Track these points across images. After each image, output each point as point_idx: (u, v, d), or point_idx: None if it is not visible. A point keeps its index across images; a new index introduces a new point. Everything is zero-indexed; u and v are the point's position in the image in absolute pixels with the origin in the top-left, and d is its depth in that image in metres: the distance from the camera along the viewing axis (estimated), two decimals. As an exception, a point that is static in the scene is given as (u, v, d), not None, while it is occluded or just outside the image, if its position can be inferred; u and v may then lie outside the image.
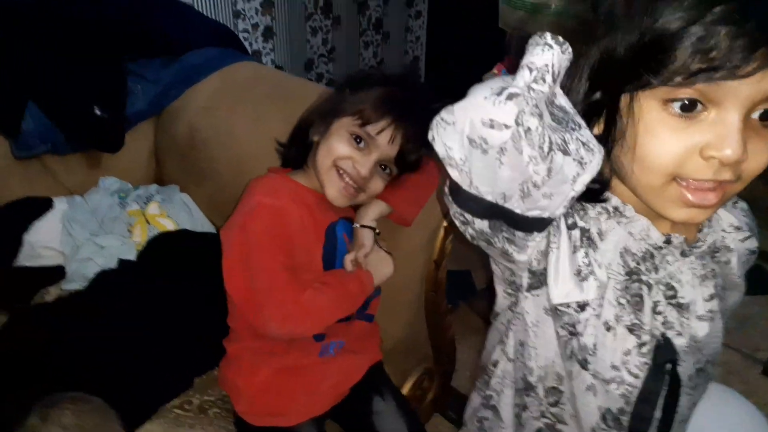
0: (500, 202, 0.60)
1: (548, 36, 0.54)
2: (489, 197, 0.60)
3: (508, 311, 0.81)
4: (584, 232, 0.70)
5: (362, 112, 1.01)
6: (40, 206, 1.37)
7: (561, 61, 0.55)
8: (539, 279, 0.73)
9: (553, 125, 0.55)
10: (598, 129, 0.65)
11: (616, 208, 0.70)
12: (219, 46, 1.63)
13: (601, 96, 0.63)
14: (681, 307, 0.73)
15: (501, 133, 0.53)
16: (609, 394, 0.76)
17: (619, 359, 0.73)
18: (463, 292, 2.13)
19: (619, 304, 0.72)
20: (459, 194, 0.62)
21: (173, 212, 1.40)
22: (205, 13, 2.02)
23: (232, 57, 1.58)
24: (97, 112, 1.39)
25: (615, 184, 0.70)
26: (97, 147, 1.48)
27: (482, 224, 0.64)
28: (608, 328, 0.73)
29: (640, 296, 0.72)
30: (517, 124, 0.53)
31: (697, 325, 0.73)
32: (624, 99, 0.62)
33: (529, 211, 0.60)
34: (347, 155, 1.02)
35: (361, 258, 1.06)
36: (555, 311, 0.73)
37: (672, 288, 0.72)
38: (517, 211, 0.60)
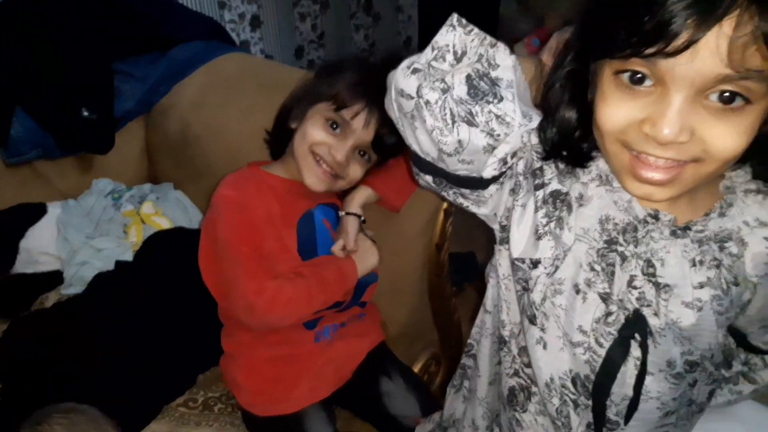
0: (431, 161, 0.70)
1: (455, 18, 0.60)
2: (422, 155, 0.70)
3: (490, 264, 0.86)
4: (558, 194, 0.73)
5: (336, 96, 1.00)
6: (34, 212, 1.36)
7: (464, 42, 0.63)
8: (508, 234, 0.76)
9: (464, 98, 0.63)
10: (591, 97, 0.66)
11: (607, 176, 0.71)
12: (206, 39, 1.61)
13: (575, 66, 0.66)
14: (660, 287, 0.71)
15: (408, 102, 0.65)
16: (576, 358, 0.77)
17: (589, 325, 0.74)
18: (467, 275, 2.12)
19: (592, 269, 0.73)
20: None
21: (168, 210, 1.38)
22: (189, 5, 1.99)
23: (220, 49, 1.56)
24: (86, 113, 1.38)
25: None
26: (87, 149, 1.46)
27: (427, 178, 0.74)
28: (577, 291, 0.74)
29: (614, 266, 0.72)
30: (418, 96, 0.63)
31: (681, 311, 0.71)
32: (592, 68, 0.64)
33: (457, 171, 0.69)
34: (322, 141, 1.01)
35: (350, 245, 1.06)
36: (513, 265, 0.77)
37: (652, 265, 0.71)
38: (447, 170, 0.69)
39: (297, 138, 1.03)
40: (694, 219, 0.70)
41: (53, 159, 1.46)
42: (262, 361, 1.05)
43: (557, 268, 0.74)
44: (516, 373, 0.85)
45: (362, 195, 1.10)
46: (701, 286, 0.70)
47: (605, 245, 0.72)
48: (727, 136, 0.56)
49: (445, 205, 1.28)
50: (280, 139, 1.11)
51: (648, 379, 0.74)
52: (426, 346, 1.44)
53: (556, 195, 0.73)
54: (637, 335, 0.72)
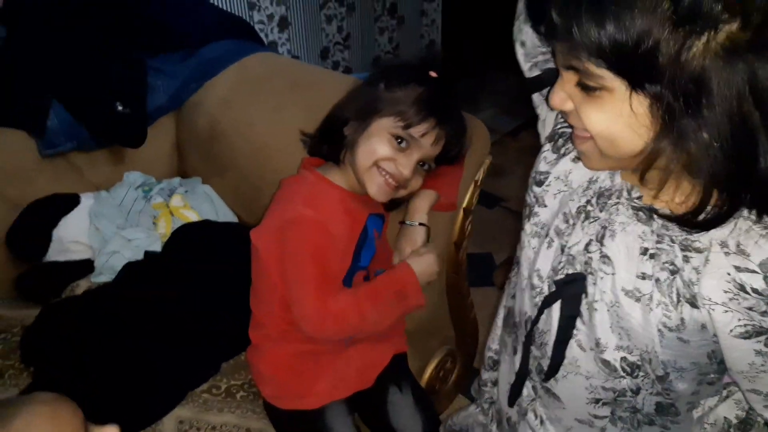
0: None
1: None
2: None
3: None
4: (564, 137, 0.84)
5: (404, 114, 0.98)
6: (68, 202, 1.40)
7: None
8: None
9: None
10: None
11: None
12: (236, 39, 1.65)
13: None
14: (603, 259, 0.73)
15: None
16: (530, 301, 0.83)
17: (546, 272, 0.80)
18: (485, 274, 2.14)
19: (566, 221, 0.78)
20: None
21: (196, 204, 1.42)
22: (220, 5, 2.04)
23: (249, 49, 1.60)
24: (120, 108, 1.42)
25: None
26: (120, 143, 1.51)
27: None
28: (547, 236, 0.80)
29: (575, 224, 0.76)
30: None
31: (619, 297, 0.71)
32: None
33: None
34: (389, 156, 0.99)
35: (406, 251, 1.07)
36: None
37: (605, 235, 0.73)
38: None
39: (361, 152, 1.01)
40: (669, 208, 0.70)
41: (87, 152, 1.50)
42: (287, 356, 1.07)
43: (539, 210, 0.82)
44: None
45: (427, 200, 1.10)
46: (643, 277, 0.70)
47: (584, 204, 0.77)
48: (593, 115, 0.64)
49: (465, 203, 1.30)
50: (329, 144, 1.08)
51: (578, 352, 0.77)
52: (443, 343, 1.46)
53: (565, 140, 0.84)
54: (571, 293, 0.76)
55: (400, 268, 1.04)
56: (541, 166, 0.85)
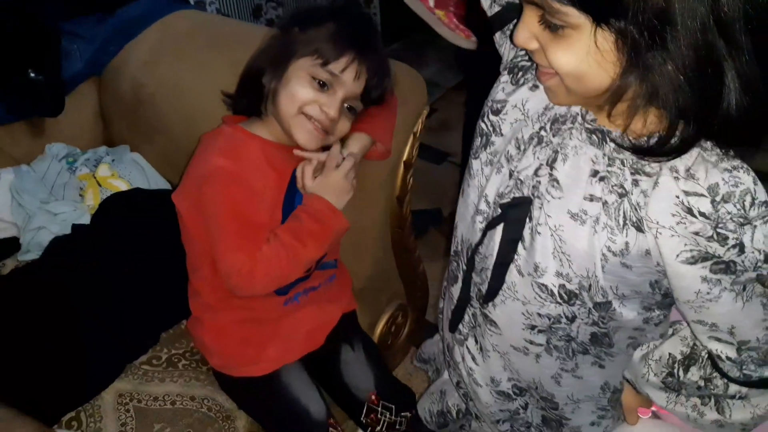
0: None
1: None
2: None
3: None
4: (523, 70, 0.82)
5: (320, 50, 0.94)
6: (-14, 179, 1.32)
7: None
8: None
9: None
10: None
11: None
12: (155, -3, 1.56)
13: None
14: (552, 182, 0.72)
15: None
16: (474, 227, 0.83)
17: (492, 197, 0.80)
18: (432, 221, 2.13)
19: (518, 147, 0.77)
20: None
21: (125, 172, 1.36)
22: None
23: (171, 6, 1.52)
24: (32, 75, 1.33)
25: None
26: (38, 113, 1.42)
27: None
28: (498, 162, 0.80)
29: (526, 150, 0.76)
30: None
31: (564, 220, 0.71)
32: None
33: None
34: (312, 99, 0.95)
35: (307, 174, 1.00)
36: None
37: (556, 159, 0.73)
38: None
39: (282, 99, 0.96)
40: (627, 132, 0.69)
41: (3, 125, 1.41)
42: (229, 324, 1.04)
43: (495, 140, 0.81)
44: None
45: (359, 141, 1.05)
46: (591, 199, 0.69)
47: (537, 130, 0.76)
48: (560, 54, 0.63)
49: (405, 157, 1.28)
50: (249, 98, 1.04)
51: (516, 277, 0.78)
52: (392, 298, 1.45)
53: (521, 70, 0.83)
54: (516, 217, 0.75)
55: (308, 197, 0.99)
56: (498, 95, 0.83)
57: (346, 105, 0.98)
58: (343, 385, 1.11)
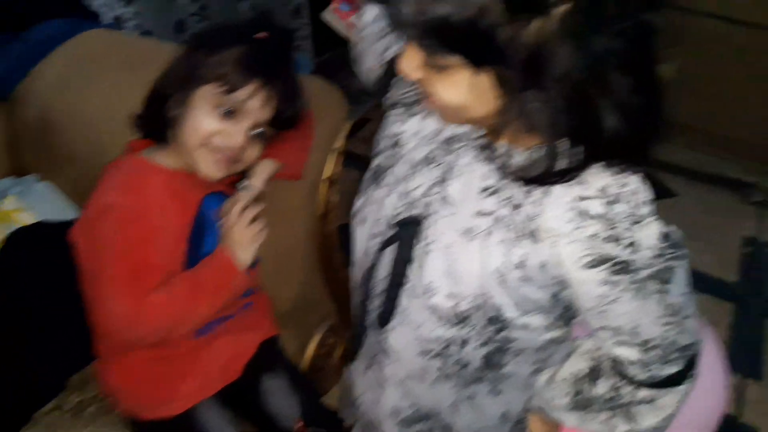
0: None
1: None
2: None
3: None
4: (414, 104, 0.83)
5: (225, 77, 0.89)
6: None
7: None
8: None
9: None
10: None
11: None
12: (64, 17, 1.50)
13: None
14: (444, 200, 0.74)
15: None
16: (371, 250, 0.83)
17: (386, 219, 0.80)
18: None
19: (411, 169, 0.78)
20: None
21: (35, 204, 1.29)
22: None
23: (83, 25, 1.45)
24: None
25: None
26: (-63, 143, 1.34)
27: None
28: (389, 185, 0.80)
29: (418, 169, 0.77)
30: None
31: (454, 238, 0.71)
32: None
33: None
34: (216, 130, 0.91)
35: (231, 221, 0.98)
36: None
37: (447, 177, 0.74)
38: None
39: (185, 129, 0.92)
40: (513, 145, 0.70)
41: None
42: (138, 363, 0.99)
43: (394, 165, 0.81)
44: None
45: (265, 168, 1.02)
46: (482, 214, 0.70)
47: (430, 151, 0.77)
48: (443, 90, 0.64)
49: (327, 173, 1.26)
50: (153, 124, 0.99)
51: (408, 300, 0.78)
52: (322, 319, 1.43)
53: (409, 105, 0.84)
54: (409, 234, 0.76)
55: (217, 250, 0.96)
56: (392, 129, 0.84)
57: (254, 131, 0.95)
58: (267, 415, 1.08)
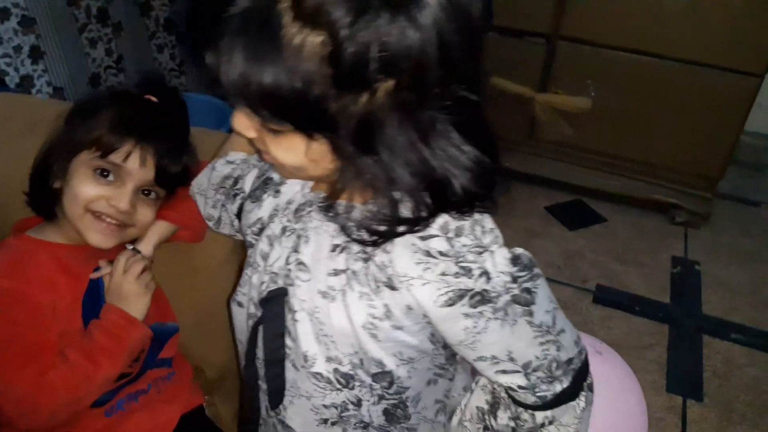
0: None
1: None
2: None
3: None
4: (266, 180, 0.85)
5: (99, 140, 0.88)
6: None
7: None
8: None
9: None
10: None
11: None
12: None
13: None
14: (300, 266, 0.74)
15: None
16: (248, 332, 0.82)
17: (256, 296, 0.80)
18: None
19: (270, 243, 0.78)
20: None
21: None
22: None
23: (-23, 91, 1.37)
24: None
25: None
26: None
27: None
28: (254, 263, 0.80)
29: (277, 241, 0.77)
30: None
31: (316, 300, 0.72)
32: None
33: None
34: (96, 195, 0.89)
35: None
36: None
37: (300, 243, 0.74)
38: None
39: (66, 199, 0.90)
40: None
41: None
42: None
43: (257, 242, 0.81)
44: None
45: (156, 232, 0.99)
46: (336, 273, 0.70)
47: (285, 222, 0.77)
48: (279, 152, 0.66)
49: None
50: (43, 201, 0.96)
51: (293, 373, 0.77)
52: (256, 381, 1.36)
53: (265, 181, 0.85)
54: (276, 313, 0.75)
55: (103, 309, 0.92)
56: (251, 219, 0.84)
57: (143, 191, 0.92)
58: None
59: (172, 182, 0.96)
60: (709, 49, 2.15)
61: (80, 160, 0.90)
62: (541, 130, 2.51)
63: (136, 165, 0.90)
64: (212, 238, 1.10)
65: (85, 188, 0.89)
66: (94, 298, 0.93)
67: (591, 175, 2.53)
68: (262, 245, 0.79)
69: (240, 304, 0.86)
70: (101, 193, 0.89)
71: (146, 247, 0.98)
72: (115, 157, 0.89)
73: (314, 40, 0.55)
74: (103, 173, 0.89)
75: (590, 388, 0.77)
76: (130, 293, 0.92)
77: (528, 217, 2.50)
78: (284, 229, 0.77)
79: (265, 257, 0.79)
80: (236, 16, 0.57)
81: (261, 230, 0.82)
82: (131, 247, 0.98)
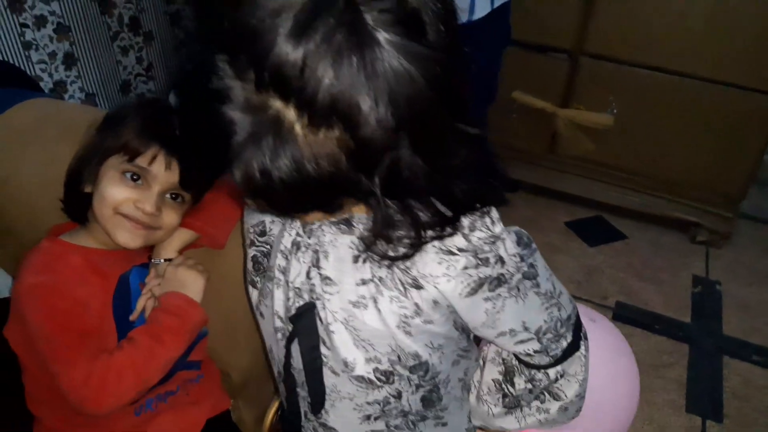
0: None
1: None
2: None
3: None
4: None
5: (126, 145, 0.92)
6: None
7: None
8: None
9: None
10: None
11: None
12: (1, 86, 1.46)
13: None
14: (325, 281, 0.75)
15: None
16: (279, 344, 0.84)
17: (282, 311, 0.82)
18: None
19: (285, 258, 0.80)
20: None
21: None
22: (-13, 48, 1.81)
23: (14, 97, 1.41)
24: None
25: None
26: None
27: None
28: (273, 278, 0.81)
29: (292, 256, 0.78)
30: None
31: (350, 310, 0.74)
32: None
33: None
34: (125, 198, 0.93)
35: (156, 290, 0.97)
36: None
37: (318, 259, 0.76)
38: None
39: (96, 202, 0.94)
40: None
41: None
42: None
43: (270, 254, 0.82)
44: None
45: (178, 238, 1.02)
46: (363, 282, 0.73)
47: (294, 236, 0.79)
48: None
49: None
50: (77, 206, 1.00)
51: (333, 378, 0.79)
52: (278, 387, 1.38)
53: None
54: (309, 327, 0.77)
55: (164, 296, 0.96)
56: (254, 219, 0.87)
57: (170, 195, 0.95)
58: None
59: (197, 186, 1.00)
60: (732, 68, 2.15)
61: (109, 165, 0.94)
62: (563, 145, 2.51)
63: (162, 168, 0.94)
64: (237, 243, 1.12)
65: (113, 191, 0.93)
66: (124, 300, 0.96)
67: (612, 191, 2.53)
68: (278, 260, 0.81)
69: (262, 315, 0.89)
70: (129, 196, 0.93)
71: (169, 251, 1.02)
72: (142, 161, 0.93)
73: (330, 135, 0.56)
74: (133, 177, 0.93)
75: (585, 336, 0.86)
76: (186, 277, 0.97)
77: (548, 231, 2.50)
78: (297, 244, 0.79)
79: (283, 272, 0.81)
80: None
81: (262, 234, 0.85)
82: (155, 260, 1.01)
